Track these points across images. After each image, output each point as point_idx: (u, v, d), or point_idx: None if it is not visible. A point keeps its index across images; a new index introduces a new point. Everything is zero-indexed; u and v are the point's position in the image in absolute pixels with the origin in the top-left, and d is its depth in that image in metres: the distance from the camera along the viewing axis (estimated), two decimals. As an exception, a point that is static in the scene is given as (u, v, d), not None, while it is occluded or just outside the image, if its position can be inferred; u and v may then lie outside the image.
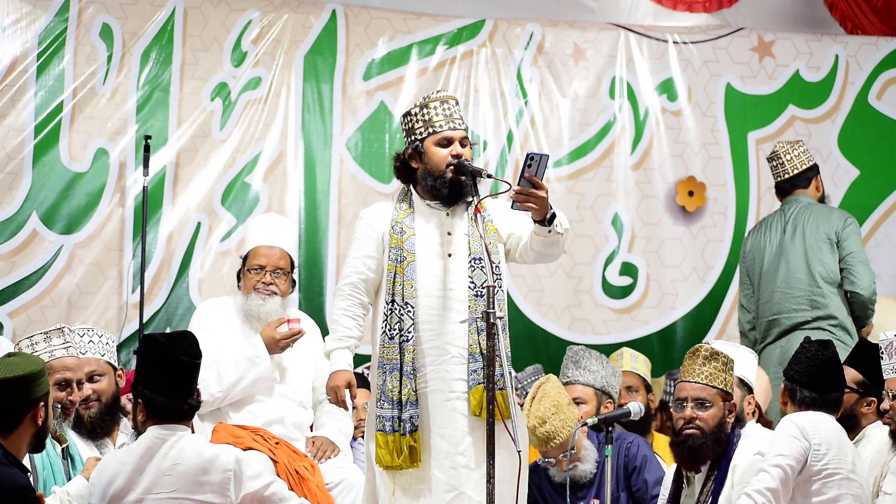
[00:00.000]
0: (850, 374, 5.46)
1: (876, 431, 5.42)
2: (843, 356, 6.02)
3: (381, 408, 5.06)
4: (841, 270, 6.97)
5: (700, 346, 5.35)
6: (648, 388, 6.89)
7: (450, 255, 5.14)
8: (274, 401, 5.94)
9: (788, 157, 7.14)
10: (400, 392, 5.05)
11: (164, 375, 4.84)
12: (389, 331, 5.08)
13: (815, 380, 5.08)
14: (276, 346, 5.90)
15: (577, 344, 7.09)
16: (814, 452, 4.93)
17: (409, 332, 5.07)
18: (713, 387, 5.26)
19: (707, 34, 8.32)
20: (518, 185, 4.92)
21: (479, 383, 4.97)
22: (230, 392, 5.84)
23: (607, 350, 7.03)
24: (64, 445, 5.36)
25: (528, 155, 4.91)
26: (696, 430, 5.24)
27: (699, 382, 5.27)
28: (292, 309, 6.26)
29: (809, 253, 7.01)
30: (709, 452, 5.26)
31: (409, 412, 5.03)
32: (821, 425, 4.98)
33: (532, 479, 6.04)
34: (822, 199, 7.24)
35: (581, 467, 5.87)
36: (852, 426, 5.32)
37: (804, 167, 7.16)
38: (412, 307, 5.08)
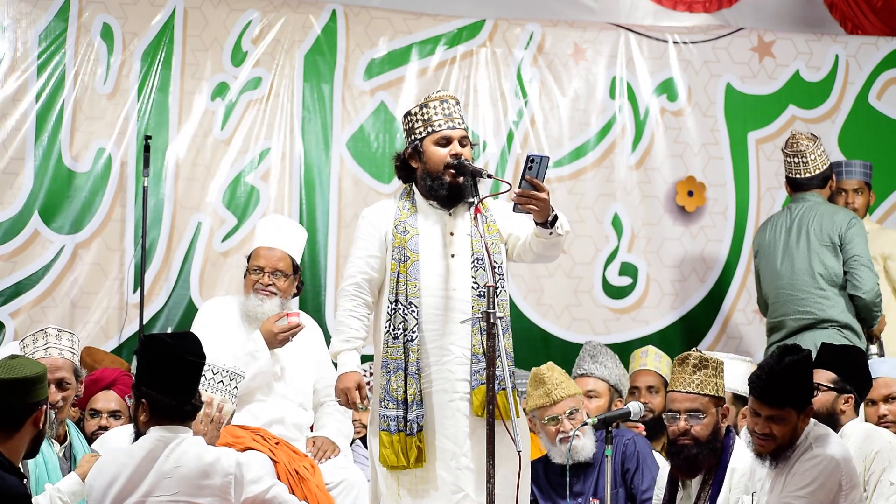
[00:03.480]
0: (825, 375, 5.47)
1: (853, 429, 5.45)
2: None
3: (386, 407, 5.07)
4: (845, 273, 6.97)
5: (689, 354, 5.28)
6: None
7: (453, 256, 5.15)
8: (275, 401, 5.95)
9: (812, 156, 7.10)
10: (405, 392, 5.06)
11: (169, 375, 4.82)
12: (393, 330, 5.09)
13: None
14: (275, 340, 5.90)
15: (577, 344, 7.10)
16: (842, 493, 4.79)
17: (413, 332, 5.07)
18: (705, 395, 5.21)
19: (707, 34, 8.32)
20: (519, 187, 4.93)
21: (481, 384, 4.97)
22: None
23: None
24: (64, 445, 5.35)
25: (528, 157, 4.92)
26: (690, 440, 5.20)
27: (691, 392, 5.21)
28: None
29: (812, 255, 7.00)
30: (705, 462, 5.22)
31: (415, 412, 5.04)
32: (850, 459, 4.86)
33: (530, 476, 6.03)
34: (832, 197, 7.21)
35: (582, 440, 5.83)
36: (833, 425, 5.32)
37: (825, 167, 7.14)
38: (416, 307, 5.08)
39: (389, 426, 5.04)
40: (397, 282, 5.11)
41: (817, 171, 7.11)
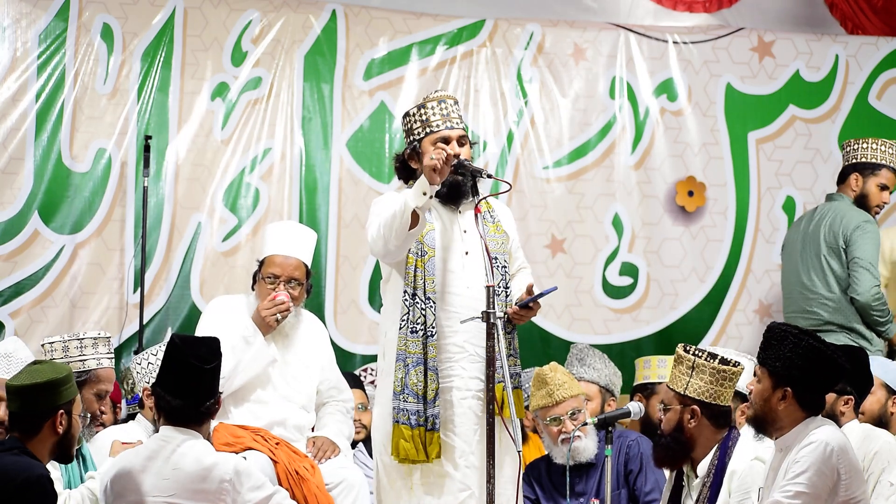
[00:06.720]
0: None
1: (850, 429, 5.45)
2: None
3: (405, 401, 5.07)
4: (848, 275, 6.98)
5: (679, 346, 5.28)
6: None
7: (466, 253, 5.17)
8: (277, 403, 5.94)
9: (852, 147, 7.12)
10: (426, 387, 5.07)
11: (175, 377, 4.85)
12: (412, 324, 5.10)
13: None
14: (265, 322, 5.89)
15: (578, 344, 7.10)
16: (842, 482, 4.67)
17: (433, 328, 5.09)
18: (672, 389, 5.22)
19: (707, 34, 8.32)
20: (519, 304, 5.09)
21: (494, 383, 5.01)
22: (233, 376, 5.82)
23: (607, 350, 7.04)
24: (77, 447, 5.37)
25: (536, 294, 5.08)
26: (661, 430, 5.24)
27: (668, 385, 5.25)
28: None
29: (822, 257, 7.02)
30: (662, 453, 5.24)
31: (435, 408, 5.06)
32: (849, 449, 4.76)
33: (532, 475, 6.04)
34: (859, 199, 7.13)
35: (584, 440, 5.84)
36: None
37: (848, 162, 7.14)
38: (434, 303, 5.10)
39: (410, 420, 5.06)
40: (415, 276, 5.14)
41: (846, 163, 7.13)
